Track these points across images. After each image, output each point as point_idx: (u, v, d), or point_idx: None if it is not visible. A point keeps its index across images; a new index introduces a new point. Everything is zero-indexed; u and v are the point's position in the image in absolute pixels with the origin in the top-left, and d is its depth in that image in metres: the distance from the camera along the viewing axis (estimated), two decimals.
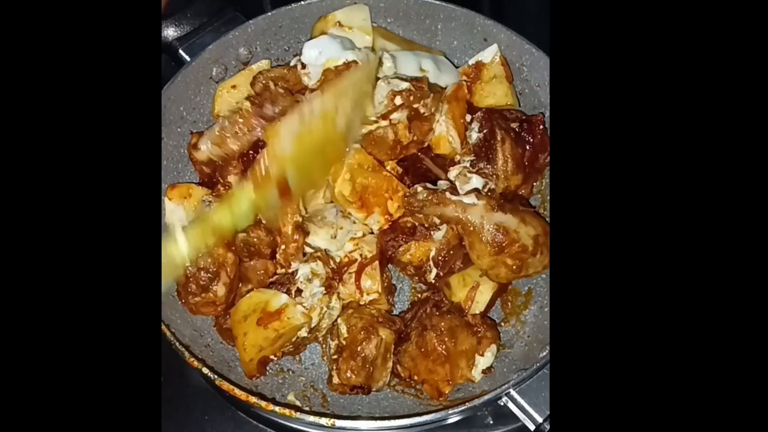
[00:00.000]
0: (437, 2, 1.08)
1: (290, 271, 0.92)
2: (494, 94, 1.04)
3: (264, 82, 0.99)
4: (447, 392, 0.88)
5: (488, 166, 0.95)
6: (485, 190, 0.95)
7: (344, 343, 0.90)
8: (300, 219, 0.93)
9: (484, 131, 0.96)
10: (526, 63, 1.05)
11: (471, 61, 1.06)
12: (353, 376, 0.87)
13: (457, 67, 1.09)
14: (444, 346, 0.89)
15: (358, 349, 0.88)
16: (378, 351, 0.89)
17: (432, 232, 0.95)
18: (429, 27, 1.11)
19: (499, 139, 0.95)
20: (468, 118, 1.00)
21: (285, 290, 0.89)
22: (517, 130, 0.99)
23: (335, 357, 0.90)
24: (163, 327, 0.83)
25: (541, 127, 0.99)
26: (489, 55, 1.06)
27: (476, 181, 0.95)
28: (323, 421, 0.79)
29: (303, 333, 0.90)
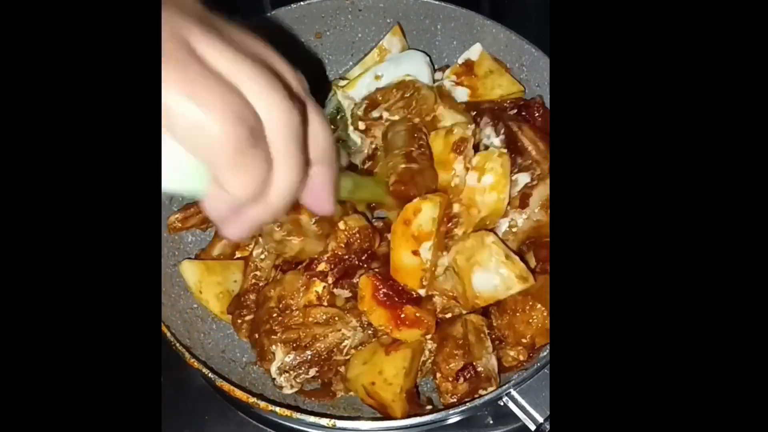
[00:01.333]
0: (437, 2, 1.08)
1: None
2: (500, 85, 1.04)
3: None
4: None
5: (523, 159, 0.95)
6: (534, 181, 0.94)
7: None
8: None
9: (501, 130, 0.95)
10: (526, 63, 1.05)
11: (459, 61, 1.07)
12: (453, 363, 0.86)
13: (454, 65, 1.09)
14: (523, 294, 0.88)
15: (444, 334, 0.87)
16: (465, 329, 0.87)
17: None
18: (429, 27, 1.11)
19: (515, 129, 0.95)
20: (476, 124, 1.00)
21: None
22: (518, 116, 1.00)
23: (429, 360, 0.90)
24: (164, 327, 0.83)
25: (540, 110, 0.99)
26: (475, 53, 1.06)
27: (523, 178, 0.95)
28: (324, 421, 0.79)
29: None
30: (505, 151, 0.93)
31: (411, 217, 0.87)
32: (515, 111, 1.01)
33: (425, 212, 0.87)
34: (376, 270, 0.90)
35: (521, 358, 0.88)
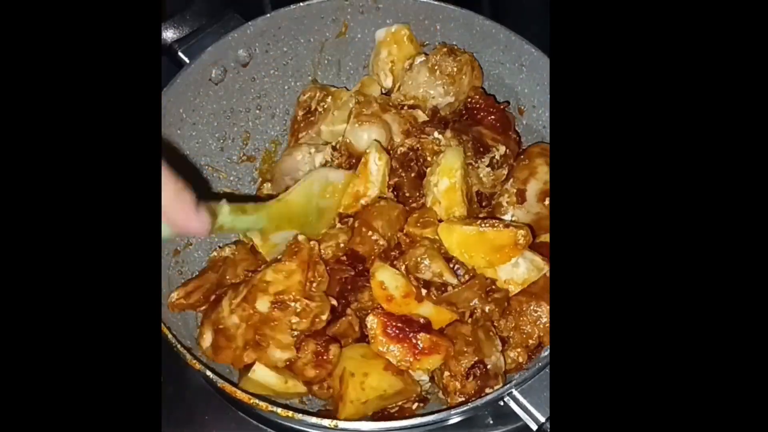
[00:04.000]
0: (437, 2, 1.08)
1: None
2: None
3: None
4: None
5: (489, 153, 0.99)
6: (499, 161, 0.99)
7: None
8: None
9: (468, 144, 0.98)
10: (526, 63, 1.05)
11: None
12: (465, 360, 0.85)
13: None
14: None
15: (454, 332, 0.87)
16: (475, 326, 0.87)
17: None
18: (428, 27, 1.11)
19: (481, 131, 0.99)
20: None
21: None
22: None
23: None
24: (164, 329, 0.83)
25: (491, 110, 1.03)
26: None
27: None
28: (326, 422, 0.79)
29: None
30: (457, 144, 0.96)
31: (381, 292, 0.86)
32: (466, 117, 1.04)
33: (387, 277, 0.86)
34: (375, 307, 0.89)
35: (520, 360, 0.88)
